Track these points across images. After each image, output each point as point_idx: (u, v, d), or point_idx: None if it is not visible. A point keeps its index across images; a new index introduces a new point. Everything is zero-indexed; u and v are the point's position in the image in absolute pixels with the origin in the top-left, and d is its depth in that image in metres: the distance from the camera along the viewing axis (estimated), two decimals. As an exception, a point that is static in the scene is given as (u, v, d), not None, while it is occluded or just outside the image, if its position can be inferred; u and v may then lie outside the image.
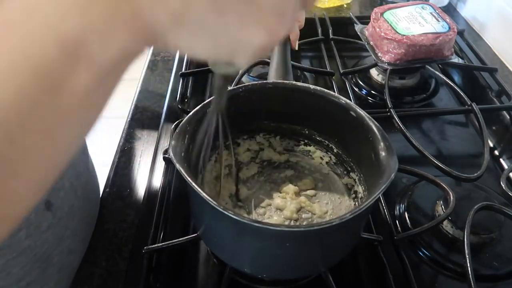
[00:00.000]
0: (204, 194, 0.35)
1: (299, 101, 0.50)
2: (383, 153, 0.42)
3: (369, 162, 0.44)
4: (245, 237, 0.39)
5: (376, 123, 0.44)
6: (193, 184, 0.36)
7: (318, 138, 0.54)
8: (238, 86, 0.48)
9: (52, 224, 0.43)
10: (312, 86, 0.49)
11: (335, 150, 0.53)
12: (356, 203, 0.49)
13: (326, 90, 0.49)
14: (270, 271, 0.43)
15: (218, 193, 0.50)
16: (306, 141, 0.55)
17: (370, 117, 0.45)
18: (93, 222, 0.53)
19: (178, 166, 0.37)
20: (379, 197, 0.53)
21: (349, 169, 0.51)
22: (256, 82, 0.50)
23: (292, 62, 0.74)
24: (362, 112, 0.46)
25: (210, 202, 0.35)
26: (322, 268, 0.44)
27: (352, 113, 0.46)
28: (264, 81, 0.52)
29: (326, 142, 0.53)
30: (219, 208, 0.35)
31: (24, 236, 0.39)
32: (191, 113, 0.44)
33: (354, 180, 0.50)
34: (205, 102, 0.45)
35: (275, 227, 0.36)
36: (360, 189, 0.49)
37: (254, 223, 0.35)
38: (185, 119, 0.43)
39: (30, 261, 0.42)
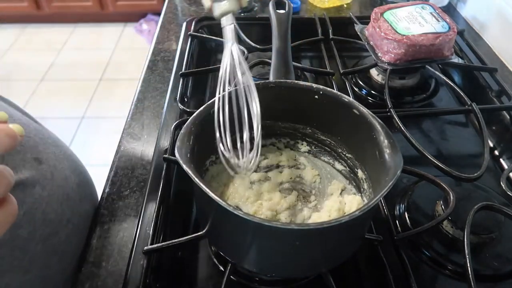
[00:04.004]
0: (214, 195, 0.35)
1: (302, 100, 0.50)
2: (387, 150, 0.42)
3: (374, 159, 0.44)
4: (256, 237, 0.39)
5: (379, 120, 0.44)
6: (203, 185, 0.36)
7: (321, 137, 0.54)
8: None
9: (53, 173, 0.50)
10: (314, 85, 0.49)
11: (338, 149, 0.53)
12: (364, 199, 0.50)
13: (328, 89, 0.49)
14: (278, 270, 0.44)
15: (223, 193, 0.50)
16: (309, 139, 0.55)
17: (373, 115, 0.45)
18: (85, 177, 0.59)
19: (185, 167, 0.37)
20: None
21: (353, 167, 0.51)
22: (259, 82, 0.50)
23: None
24: (365, 110, 0.46)
25: (220, 203, 0.35)
26: (330, 266, 0.44)
27: (355, 111, 0.46)
28: (267, 81, 0.52)
29: (329, 140, 0.53)
30: (229, 209, 0.35)
31: (40, 189, 0.47)
32: (195, 114, 0.44)
33: (359, 178, 0.50)
34: (208, 102, 0.45)
35: (286, 226, 0.36)
36: (365, 186, 0.49)
37: (265, 222, 0.35)
38: (189, 120, 0.43)
39: (61, 201, 0.50)
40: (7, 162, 0.44)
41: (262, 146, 0.55)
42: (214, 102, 0.45)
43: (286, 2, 0.68)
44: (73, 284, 0.47)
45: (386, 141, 0.42)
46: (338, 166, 0.54)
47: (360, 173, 0.50)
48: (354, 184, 0.51)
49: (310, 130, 0.54)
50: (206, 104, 0.45)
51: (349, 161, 0.52)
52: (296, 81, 0.51)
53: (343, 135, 0.52)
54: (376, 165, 0.43)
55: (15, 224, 0.41)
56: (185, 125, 0.42)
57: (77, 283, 0.47)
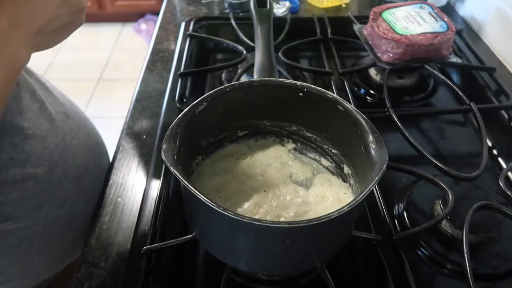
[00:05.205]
0: (203, 197, 0.35)
1: (286, 97, 0.50)
2: (373, 145, 0.42)
3: (359, 155, 0.44)
4: (245, 237, 0.39)
5: (364, 116, 0.44)
6: (191, 187, 0.36)
7: (306, 134, 0.54)
8: (225, 85, 0.49)
9: (78, 128, 0.61)
10: (298, 82, 0.49)
11: (324, 146, 0.53)
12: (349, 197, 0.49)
13: (312, 86, 0.49)
14: (269, 267, 0.43)
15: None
16: (294, 137, 0.55)
17: (358, 111, 0.45)
18: (100, 138, 0.71)
19: (172, 169, 0.37)
20: (378, 195, 0.53)
21: (340, 162, 0.51)
22: (243, 81, 0.50)
23: (290, 62, 0.75)
24: (349, 106, 0.46)
25: (209, 204, 0.35)
26: (321, 261, 0.44)
27: (340, 107, 0.46)
28: (251, 79, 0.52)
29: (315, 137, 0.53)
30: (219, 210, 0.35)
31: (70, 138, 0.57)
32: (180, 115, 0.43)
33: (346, 173, 0.50)
34: (193, 103, 0.45)
35: (276, 224, 0.36)
36: (352, 181, 0.49)
37: (255, 222, 0.35)
38: (175, 121, 0.43)
39: (86, 151, 0.61)
40: (46, 109, 0.54)
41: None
42: (199, 103, 0.45)
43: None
44: (72, 285, 0.47)
45: (371, 136, 0.43)
46: (325, 162, 0.54)
47: (346, 169, 0.50)
48: (341, 179, 0.51)
49: (295, 128, 0.54)
50: (191, 105, 0.45)
51: (335, 157, 0.52)
52: (280, 79, 0.51)
53: (328, 131, 0.52)
54: (362, 160, 0.43)
55: (52, 162, 0.53)
56: (170, 127, 0.42)
57: (76, 284, 0.47)
